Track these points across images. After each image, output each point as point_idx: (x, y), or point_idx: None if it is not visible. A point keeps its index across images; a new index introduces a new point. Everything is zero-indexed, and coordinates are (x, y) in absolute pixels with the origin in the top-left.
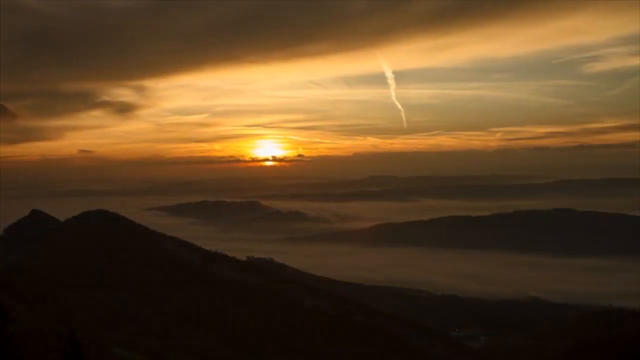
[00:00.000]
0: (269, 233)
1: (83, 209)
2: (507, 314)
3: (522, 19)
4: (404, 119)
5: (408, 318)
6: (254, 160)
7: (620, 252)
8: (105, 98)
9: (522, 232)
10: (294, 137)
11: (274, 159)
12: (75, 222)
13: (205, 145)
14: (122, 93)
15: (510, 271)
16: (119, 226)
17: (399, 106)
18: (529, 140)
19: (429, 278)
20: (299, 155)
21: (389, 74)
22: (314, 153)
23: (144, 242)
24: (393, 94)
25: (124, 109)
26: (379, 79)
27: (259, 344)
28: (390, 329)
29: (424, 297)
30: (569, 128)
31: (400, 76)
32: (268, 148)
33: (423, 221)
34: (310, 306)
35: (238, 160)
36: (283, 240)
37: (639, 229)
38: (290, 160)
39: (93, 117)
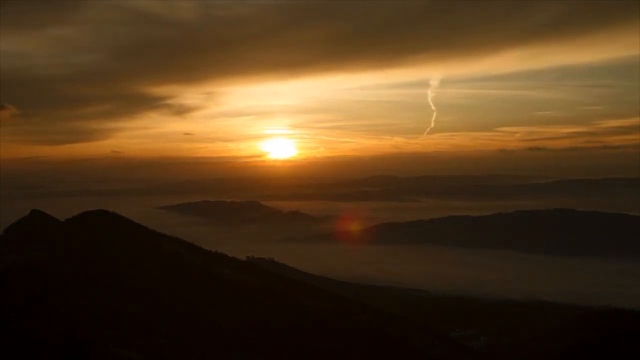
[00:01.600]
0: (269, 233)
1: (84, 209)
2: (507, 314)
3: (622, 29)
4: (433, 119)
5: (408, 318)
6: (252, 159)
7: (620, 252)
8: (169, 101)
9: (522, 232)
10: (323, 137)
11: (280, 159)
12: (75, 222)
13: (230, 145)
14: (189, 96)
15: (510, 271)
16: (119, 226)
17: (433, 107)
18: (543, 140)
19: (429, 278)
20: (299, 156)
21: (433, 75)
22: (335, 153)
23: (144, 241)
24: (429, 94)
25: (181, 111)
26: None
27: (258, 344)
28: (390, 329)
29: (424, 297)
30: (584, 128)
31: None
32: (289, 148)
33: (423, 221)
34: (310, 306)
35: (235, 160)
36: (283, 240)
37: (639, 229)
38: (293, 161)
39: (148, 118)
